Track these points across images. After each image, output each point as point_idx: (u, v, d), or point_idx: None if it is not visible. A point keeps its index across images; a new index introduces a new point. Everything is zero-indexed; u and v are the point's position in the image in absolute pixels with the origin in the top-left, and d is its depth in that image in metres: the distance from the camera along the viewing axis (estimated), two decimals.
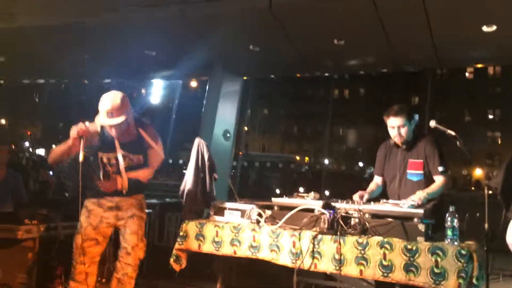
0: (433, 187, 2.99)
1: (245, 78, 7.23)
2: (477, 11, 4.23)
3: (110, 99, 2.81)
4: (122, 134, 2.90)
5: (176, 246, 2.99)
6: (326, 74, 7.83)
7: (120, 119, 2.79)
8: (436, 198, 2.96)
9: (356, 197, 3.04)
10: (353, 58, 6.06)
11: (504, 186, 2.88)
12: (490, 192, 2.82)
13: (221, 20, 5.13)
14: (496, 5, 4.11)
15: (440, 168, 3.02)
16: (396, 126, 3.10)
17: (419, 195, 2.79)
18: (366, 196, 3.09)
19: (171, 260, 2.98)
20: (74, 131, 2.74)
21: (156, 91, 8.87)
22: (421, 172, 3.10)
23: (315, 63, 6.20)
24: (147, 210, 4.71)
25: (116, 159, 2.91)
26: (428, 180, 3.08)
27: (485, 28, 4.44)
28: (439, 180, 3.04)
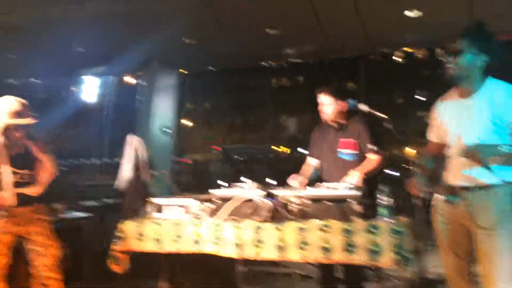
0: (367, 165, 3.11)
1: (183, 71, 7.12)
2: None
3: (14, 100, 2.72)
4: (13, 144, 2.78)
5: (113, 247, 2.88)
6: (265, 64, 7.86)
7: (31, 120, 2.72)
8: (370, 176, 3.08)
9: (293, 182, 3.09)
10: (288, 47, 6.14)
11: None
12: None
13: (152, 12, 5.00)
14: None
15: (372, 146, 3.15)
16: (323, 103, 3.26)
17: (355, 175, 2.89)
18: (305, 181, 3.16)
19: (109, 261, 2.88)
20: None
21: (90, 88, 8.48)
22: (355, 152, 3.22)
23: (251, 53, 6.23)
24: (85, 214, 4.57)
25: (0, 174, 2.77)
26: (362, 160, 3.19)
27: (410, 14, 4.66)
28: (372, 158, 3.16)
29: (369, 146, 3.16)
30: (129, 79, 7.35)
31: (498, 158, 2.04)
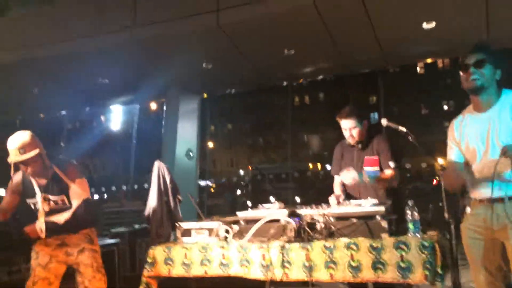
0: (382, 175, 3.14)
1: (204, 95, 7.26)
2: (416, 9, 4.43)
3: (18, 137, 2.82)
4: (37, 174, 2.86)
5: (145, 273, 2.92)
6: (285, 83, 7.93)
7: (34, 152, 2.78)
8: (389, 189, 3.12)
9: (332, 199, 3.10)
10: (306, 66, 6.20)
11: None
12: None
13: (171, 41, 5.15)
14: (433, 2, 4.33)
15: (391, 164, 3.14)
16: (347, 128, 3.21)
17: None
18: (342, 196, 3.18)
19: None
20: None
21: (115, 117, 8.75)
22: (377, 168, 3.20)
23: (270, 74, 6.30)
24: (114, 240, 4.64)
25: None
26: None
27: (425, 25, 4.65)
28: (387, 172, 3.17)
29: (388, 162, 3.16)
30: (152, 106, 7.54)
31: None
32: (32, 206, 2.90)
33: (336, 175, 3.48)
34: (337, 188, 3.40)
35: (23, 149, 2.77)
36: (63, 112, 9.02)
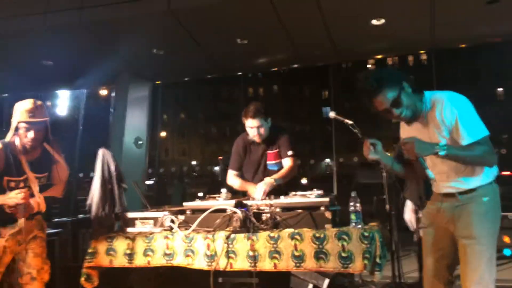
0: (281, 172, 3.26)
1: (157, 82, 7.09)
2: (366, 7, 4.53)
3: (30, 100, 2.72)
4: (31, 148, 2.74)
5: (85, 264, 2.83)
6: (239, 73, 7.88)
7: (43, 118, 2.69)
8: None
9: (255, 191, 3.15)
10: (259, 57, 6.20)
11: None
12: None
13: (120, 25, 4.97)
14: (382, 1, 4.44)
15: (289, 152, 3.30)
16: (254, 127, 3.27)
17: (267, 182, 3.02)
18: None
19: (82, 279, 2.82)
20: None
21: (61, 102, 8.39)
22: (279, 161, 3.35)
23: (223, 64, 6.24)
24: (56, 230, 4.46)
25: (25, 182, 2.73)
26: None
27: (374, 22, 4.78)
28: (287, 163, 3.31)
29: (286, 151, 3.30)
30: (101, 92, 7.28)
31: (440, 156, 2.05)
32: (13, 185, 2.72)
33: (232, 170, 3.51)
34: (235, 180, 3.44)
35: (33, 113, 2.66)
36: (5, 95, 8.53)
